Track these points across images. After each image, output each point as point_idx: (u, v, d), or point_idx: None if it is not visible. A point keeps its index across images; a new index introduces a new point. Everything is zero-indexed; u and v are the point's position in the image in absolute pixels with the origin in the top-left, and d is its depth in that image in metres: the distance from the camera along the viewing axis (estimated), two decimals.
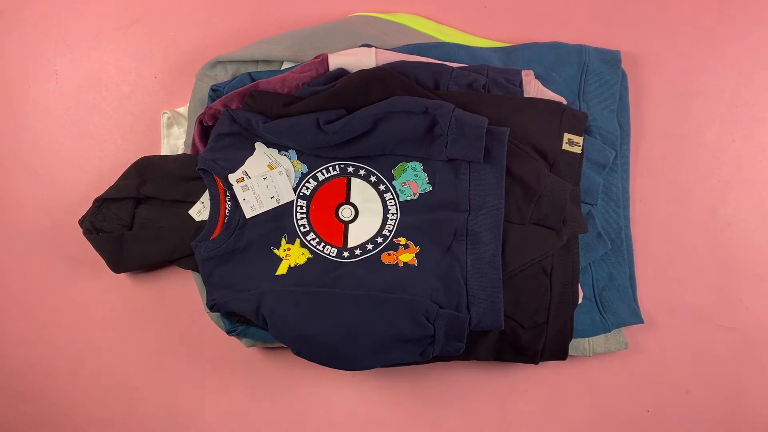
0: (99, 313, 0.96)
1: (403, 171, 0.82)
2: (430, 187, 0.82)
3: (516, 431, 0.93)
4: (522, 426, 0.93)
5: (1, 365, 0.97)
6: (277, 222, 0.83)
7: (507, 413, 0.93)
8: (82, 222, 0.85)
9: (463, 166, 0.80)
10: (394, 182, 0.82)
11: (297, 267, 0.82)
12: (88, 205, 0.85)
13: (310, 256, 0.82)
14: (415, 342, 0.78)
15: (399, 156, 0.82)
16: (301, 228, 0.83)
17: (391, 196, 0.82)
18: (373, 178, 0.82)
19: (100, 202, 0.85)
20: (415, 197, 0.82)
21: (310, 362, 0.93)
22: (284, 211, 0.83)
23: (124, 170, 0.86)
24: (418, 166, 0.82)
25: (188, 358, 0.95)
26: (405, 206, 0.82)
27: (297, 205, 0.83)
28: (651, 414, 0.93)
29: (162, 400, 0.95)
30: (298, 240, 0.82)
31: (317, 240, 0.83)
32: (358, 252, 0.82)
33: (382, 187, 0.82)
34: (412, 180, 0.82)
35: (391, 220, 0.82)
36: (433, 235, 0.81)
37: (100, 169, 0.96)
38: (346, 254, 0.82)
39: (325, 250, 0.82)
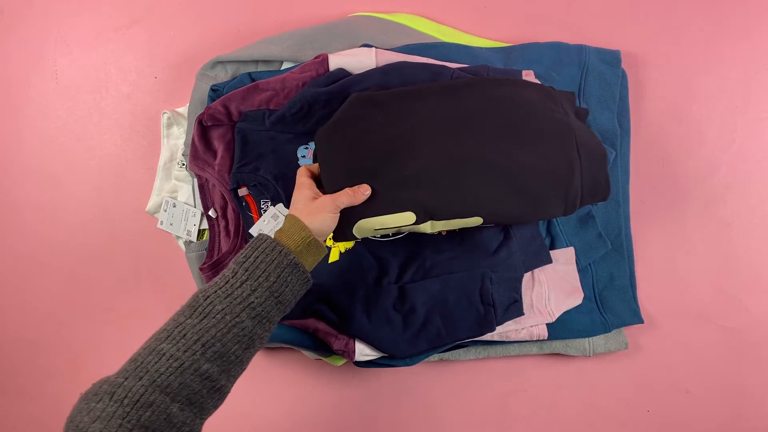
0: (99, 314, 0.96)
1: None
2: None
3: (516, 431, 0.94)
4: (522, 426, 0.93)
5: (1, 365, 0.97)
6: None
7: (507, 413, 0.93)
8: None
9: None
10: None
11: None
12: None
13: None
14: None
15: None
16: None
17: None
18: None
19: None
20: None
21: (310, 362, 0.93)
22: None
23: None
24: None
25: None
26: None
27: None
28: (651, 414, 0.93)
29: None
30: None
31: None
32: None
33: None
34: None
35: None
36: None
37: (101, 169, 0.96)
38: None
39: None
